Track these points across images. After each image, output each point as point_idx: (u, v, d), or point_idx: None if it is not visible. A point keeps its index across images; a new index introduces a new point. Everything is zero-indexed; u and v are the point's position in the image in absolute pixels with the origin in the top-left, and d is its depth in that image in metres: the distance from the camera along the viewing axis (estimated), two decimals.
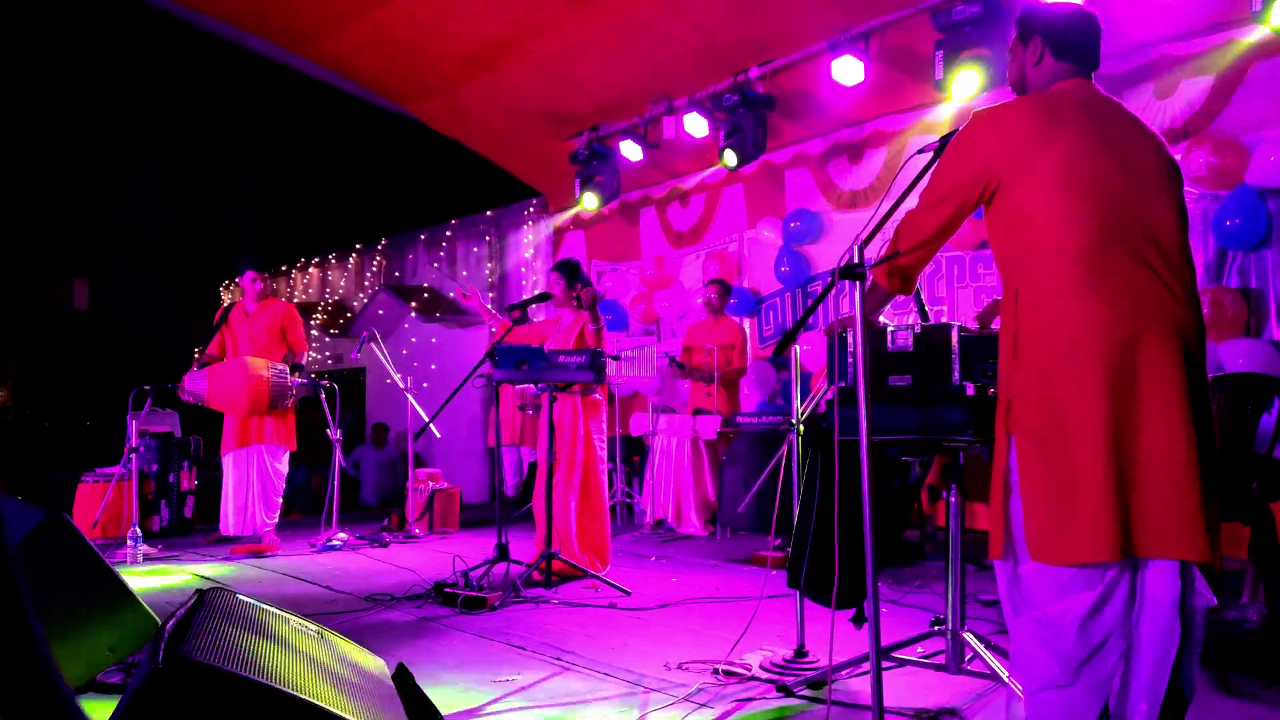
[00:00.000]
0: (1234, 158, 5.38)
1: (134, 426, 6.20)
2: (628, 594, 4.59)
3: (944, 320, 2.84)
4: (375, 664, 2.36)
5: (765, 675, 3.12)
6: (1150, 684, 2.03)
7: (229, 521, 6.44)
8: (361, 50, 7.71)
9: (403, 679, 2.37)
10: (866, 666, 2.40)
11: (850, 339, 2.65)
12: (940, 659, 2.94)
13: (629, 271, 9.32)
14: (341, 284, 13.65)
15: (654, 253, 9.09)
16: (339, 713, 1.80)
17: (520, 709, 2.89)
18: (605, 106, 8.23)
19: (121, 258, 22.80)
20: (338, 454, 6.65)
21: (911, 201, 2.42)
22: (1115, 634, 2.04)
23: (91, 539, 2.84)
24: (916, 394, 2.68)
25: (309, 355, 6.79)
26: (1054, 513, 2.06)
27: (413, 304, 11.37)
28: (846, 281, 2.23)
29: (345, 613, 4.28)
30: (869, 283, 2.39)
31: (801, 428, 3.47)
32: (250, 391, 6.10)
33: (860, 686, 2.99)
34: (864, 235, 2.29)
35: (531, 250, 10.57)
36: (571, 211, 9.83)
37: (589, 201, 8.66)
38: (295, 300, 13.96)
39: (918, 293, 2.71)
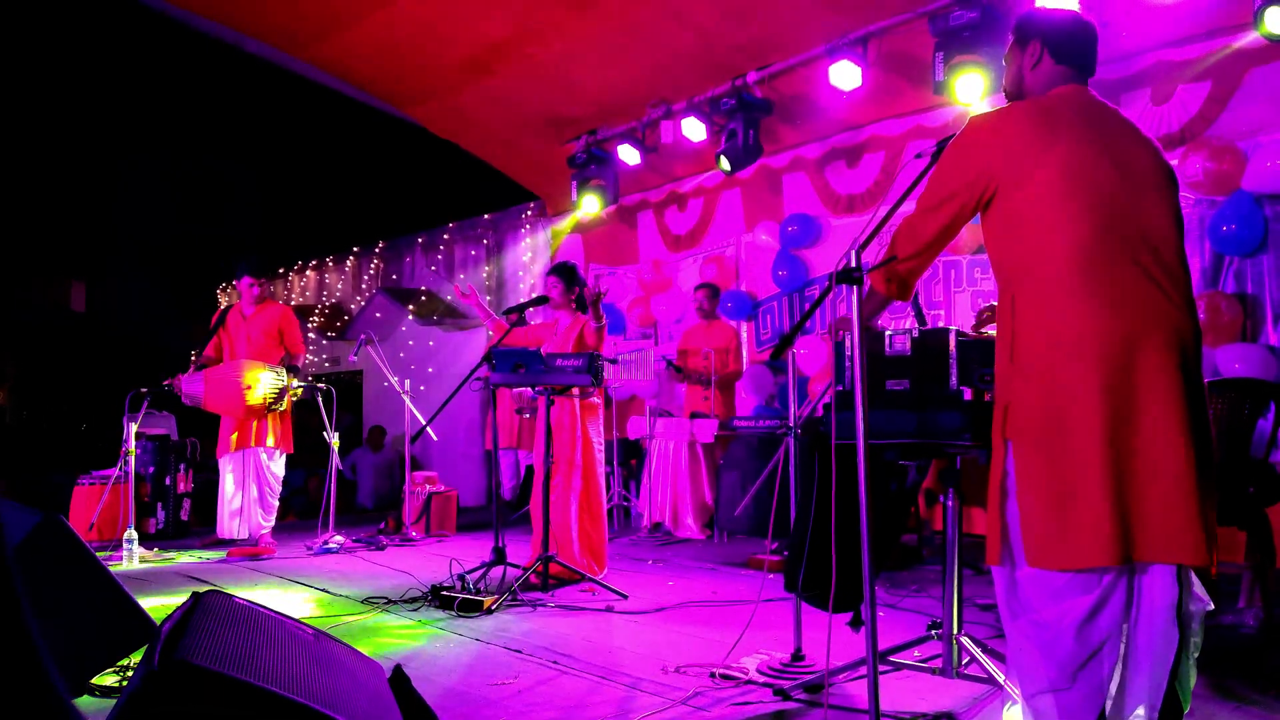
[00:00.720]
0: (1231, 163, 5.40)
1: (130, 429, 6.19)
2: (625, 597, 4.58)
3: (941, 325, 2.84)
4: (372, 667, 2.36)
5: (762, 679, 3.12)
6: (1148, 688, 2.03)
7: (225, 524, 6.43)
8: (360, 53, 7.71)
9: (399, 683, 2.37)
10: (863, 670, 2.40)
11: (848, 343, 2.66)
12: (937, 663, 2.94)
13: (626, 275, 9.32)
14: (339, 287, 13.65)
15: (651, 256, 9.09)
16: (335, 716, 1.80)
17: (517, 713, 2.88)
18: (603, 110, 8.24)
19: (119, 259, 22.77)
20: (334, 457, 6.64)
21: (909, 206, 2.42)
22: (1112, 638, 2.04)
23: (88, 541, 2.83)
24: (914, 398, 2.68)
25: (306, 358, 6.77)
26: (1051, 518, 2.06)
27: (410, 307, 11.36)
28: (844, 286, 2.24)
29: (342, 616, 4.27)
30: (867, 288, 2.39)
31: (799, 431, 3.47)
32: (247, 394, 6.10)
33: (857, 690, 2.99)
34: (861, 239, 2.29)
35: (529, 254, 10.57)
36: (569, 215, 9.84)
37: (587, 205, 8.67)
38: (293, 303, 13.95)
39: (915, 297, 2.72)
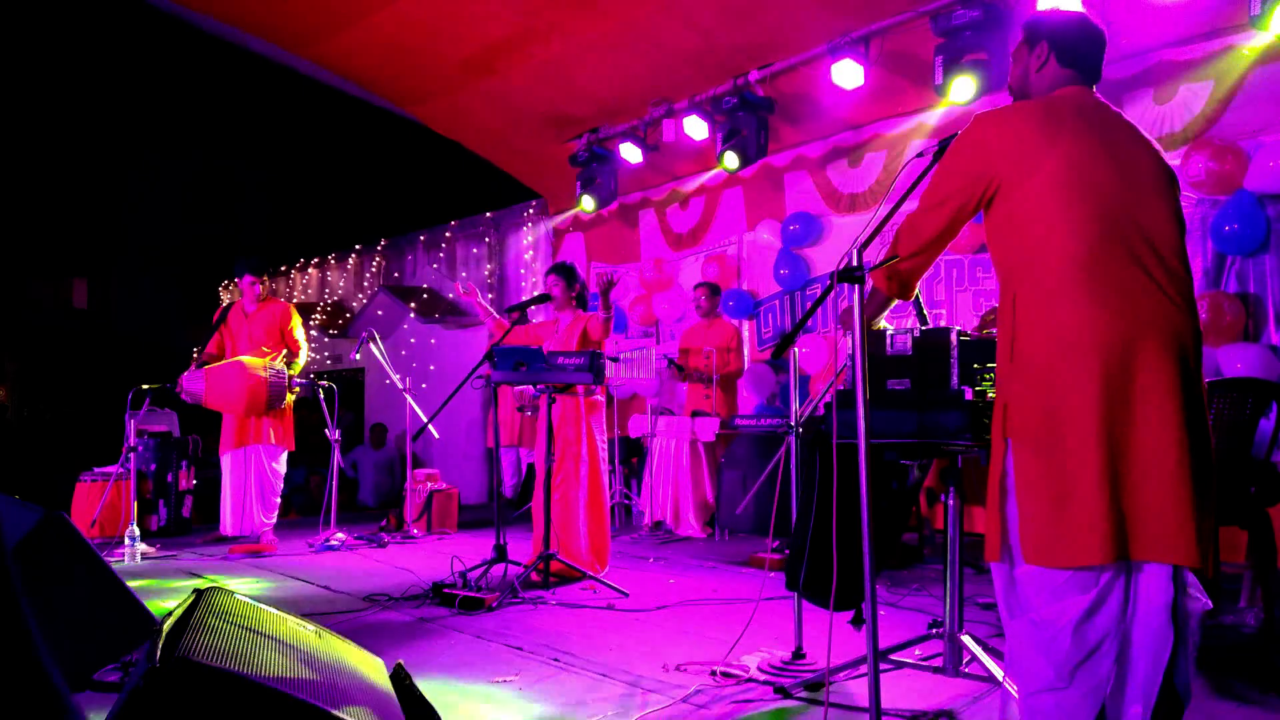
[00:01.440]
0: (1233, 163, 5.39)
1: (132, 426, 6.20)
2: (626, 595, 4.59)
3: (943, 324, 2.85)
4: (373, 664, 2.36)
5: (763, 677, 3.13)
6: (1144, 687, 2.03)
7: (227, 521, 6.44)
8: (363, 52, 7.72)
9: (400, 679, 2.37)
10: (864, 669, 2.40)
11: (850, 342, 2.66)
12: (938, 661, 2.95)
13: (628, 273, 9.32)
14: (341, 284, 13.65)
15: (653, 255, 9.09)
16: (336, 713, 1.80)
17: (518, 710, 2.89)
18: (605, 109, 8.24)
19: (122, 256, 22.78)
20: (336, 454, 6.65)
21: (911, 205, 2.42)
22: (1110, 637, 2.04)
23: (90, 538, 2.84)
24: (915, 398, 2.69)
25: (308, 355, 6.78)
26: (1050, 516, 2.06)
27: (412, 305, 11.37)
28: (845, 284, 2.24)
29: (343, 613, 4.28)
30: (869, 287, 2.40)
31: (800, 430, 3.47)
32: (248, 392, 6.10)
33: (858, 689, 2.99)
34: (863, 238, 2.29)
35: (531, 252, 10.57)
36: (571, 213, 9.84)
37: (588, 204, 8.67)
38: (295, 300, 13.96)
39: (917, 297, 2.72)
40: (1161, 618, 2.02)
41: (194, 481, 7.54)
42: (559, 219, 10.16)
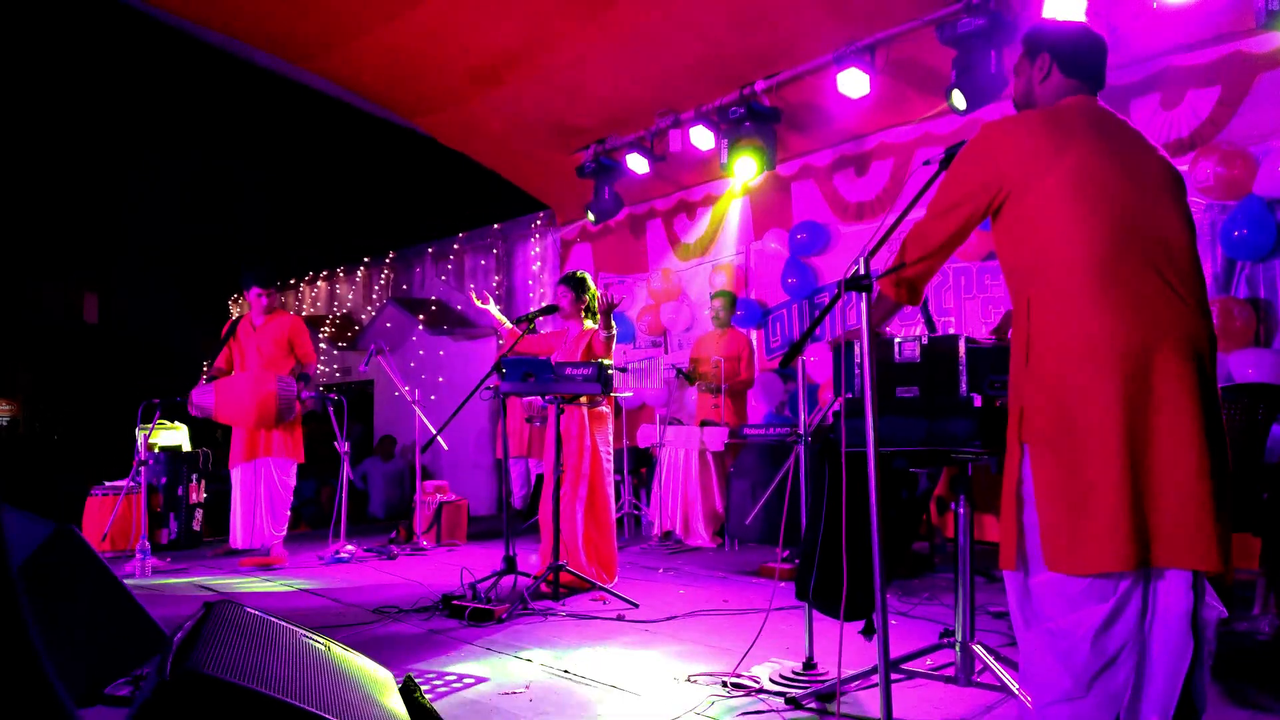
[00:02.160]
0: (1242, 168, 5.38)
1: (143, 440, 6.22)
2: (635, 606, 4.57)
3: (951, 331, 2.84)
4: (383, 676, 2.36)
5: (774, 688, 3.11)
6: (1162, 696, 2.02)
7: (237, 534, 6.45)
8: (370, 65, 7.75)
9: (410, 692, 2.37)
10: (875, 679, 2.39)
11: (858, 350, 2.65)
12: (950, 671, 2.93)
13: (636, 283, 9.33)
14: (350, 297, 13.70)
15: (660, 265, 9.10)
16: None
17: None
18: (612, 119, 8.26)
19: (133, 272, 22.92)
20: (345, 466, 6.66)
21: (918, 213, 2.42)
22: (1129, 646, 2.03)
23: (100, 552, 2.84)
24: (924, 405, 2.68)
25: (317, 368, 6.80)
26: (1069, 523, 2.05)
27: (420, 317, 11.40)
28: (853, 293, 2.23)
29: (353, 625, 4.28)
30: (876, 294, 2.39)
31: (809, 439, 3.47)
32: (258, 405, 6.12)
33: (869, 699, 2.98)
34: (870, 246, 2.29)
35: (539, 263, 10.59)
36: (578, 224, 9.86)
37: (594, 215, 8.69)
38: (304, 313, 14.01)
39: (925, 304, 2.71)
40: (1181, 626, 2.01)
41: (204, 495, 7.56)
42: (566, 230, 10.18)
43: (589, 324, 5.41)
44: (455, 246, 11.82)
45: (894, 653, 2.89)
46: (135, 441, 6.26)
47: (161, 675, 1.69)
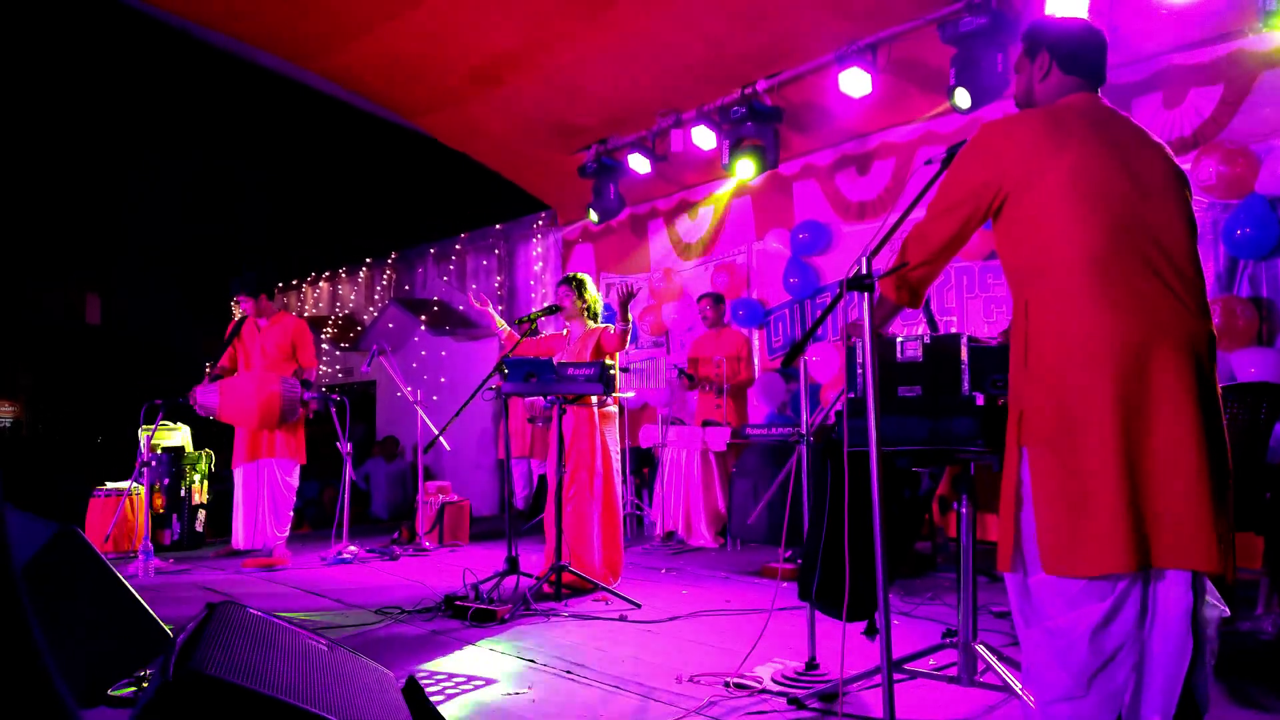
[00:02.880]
0: (1244, 166, 5.37)
1: (145, 440, 6.22)
2: (638, 606, 4.57)
3: (953, 331, 2.84)
4: (385, 678, 2.36)
5: (776, 688, 3.11)
6: (1163, 696, 2.01)
7: (240, 535, 6.45)
8: (371, 65, 7.75)
9: (413, 693, 2.37)
10: (878, 679, 2.38)
11: (860, 350, 2.65)
12: (952, 671, 2.93)
13: (637, 283, 9.32)
14: (352, 298, 13.71)
15: (662, 265, 9.10)
16: None
17: None
18: (613, 119, 8.26)
19: (135, 273, 22.95)
20: (348, 467, 6.66)
21: (920, 212, 2.42)
22: (1127, 645, 2.03)
23: (103, 553, 2.85)
24: (926, 405, 2.67)
25: (320, 369, 6.80)
26: (1067, 524, 2.05)
27: (422, 317, 11.40)
28: (855, 293, 2.23)
29: (355, 626, 4.28)
30: (877, 296, 2.39)
31: (811, 439, 3.46)
32: (261, 405, 6.12)
33: (872, 699, 2.98)
34: (872, 246, 2.29)
35: (541, 263, 10.60)
36: (580, 224, 9.86)
37: (597, 214, 8.68)
38: (306, 314, 14.02)
39: (926, 303, 2.71)
40: (1181, 625, 2.01)
41: (207, 496, 7.56)
42: (568, 230, 10.18)
43: (592, 324, 5.41)
44: (457, 247, 11.82)
45: (896, 653, 2.89)
46: (138, 442, 6.25)
47: (164, 676, 1.69)
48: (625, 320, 5.09)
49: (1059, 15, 2.46)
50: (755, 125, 7.19)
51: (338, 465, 6.66)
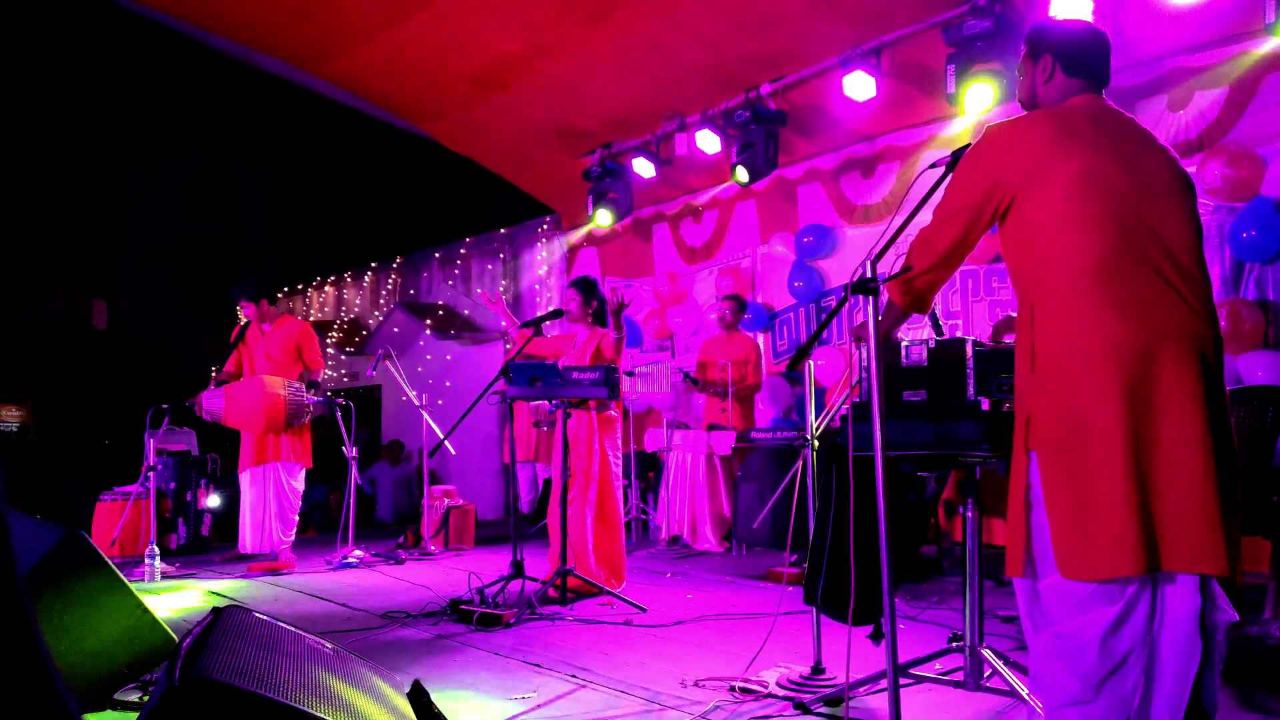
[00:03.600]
0: (1249, 169, 5.36)
1: (151, 445, 6.24)
2: (643, 610, 4.57)
3: (958, 334, 2.83)
4: (391, 682, 2.36)
5: (782, 692, 3.10)
6: (1171, 700, 2.01)
7: (246, 539, 6.46)
8: (376, 70, 7.77)
9: (418, 696, 2.37)
10: (884, 684, 2.38)
11: (865, 354, 2.65)
12: (959, 676, 2.92)
13: (642, 287, 9.33)
14: (357, 302, 13.73)
15: (667, 269, 9.11)
16: None
17: None
18: (618, 124, 8.26)
19: (141, 277, 23.00)
20: (354, 471, 6.67)
21: (925, 216, 2.42)
22: (1137, 650, 2.02)
23: (110, 557, 2.85)
24: (931, 409, 2.67)
25: (325, 373, 6.81)
26: (1078, 528, 2.05)
27: (428, 321, 11.41)
28: (860, 296, 2.23)
29: (361, 630, 4.28)
30: (884, 301, 2.39)
31: (816, 443, 3.46)
32: (267, 409, 6.13)
33: (878, 704, 2.97)
34: (877, 250, 2.28)
35: (546, 267, 10.60)
36: (585, 228, 9.87)
37: (602, 218, 8.68)
38: (311, 318, 14.05)
39: (932, 308, 2.71)
40: (1189, 629, 2.00)
41: (214, 500, 7.57)
42: (573, 234, 10.19)
43: (599, 328, 5.41)
44: (462, 251, 11.84)
45: (902, 657, 2.88)
46: (144, 446, 6.27)
47: (170, 680, 1.69)
48: (618, 329, 5.14)
49: (1062, 18, 2.46)
50: (759, 128, 7.19)
51: (343, 469, 6.66)
